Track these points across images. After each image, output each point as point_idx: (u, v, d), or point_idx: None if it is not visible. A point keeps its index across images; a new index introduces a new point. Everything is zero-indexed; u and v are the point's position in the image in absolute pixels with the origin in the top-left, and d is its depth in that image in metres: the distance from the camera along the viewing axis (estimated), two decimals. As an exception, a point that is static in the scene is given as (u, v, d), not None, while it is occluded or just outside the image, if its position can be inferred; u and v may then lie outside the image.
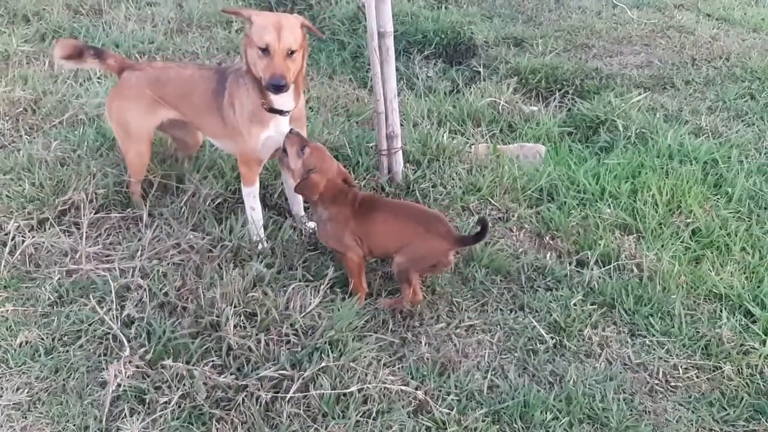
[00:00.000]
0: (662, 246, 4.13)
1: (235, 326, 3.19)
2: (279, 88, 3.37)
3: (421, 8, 7.71)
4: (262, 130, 3.64)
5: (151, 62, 4.06)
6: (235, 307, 3.28)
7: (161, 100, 3.92)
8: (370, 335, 3.35)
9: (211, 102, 3.80)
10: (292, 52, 3.41)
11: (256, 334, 3.19)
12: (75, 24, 6.57)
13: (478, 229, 3.48)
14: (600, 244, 4.08)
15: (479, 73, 6.50)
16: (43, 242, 3.76)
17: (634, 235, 4.23)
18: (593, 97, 5.99)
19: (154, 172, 4.21)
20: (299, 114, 3.78)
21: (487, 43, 7.04)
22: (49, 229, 3.86)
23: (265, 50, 3.37)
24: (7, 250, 3.70)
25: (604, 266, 3.97)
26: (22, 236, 3.78)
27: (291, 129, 3.60)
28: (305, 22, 3.53)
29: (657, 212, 4.36)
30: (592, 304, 3.71)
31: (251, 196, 3.83)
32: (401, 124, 4.48)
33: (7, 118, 4.93)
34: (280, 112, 3.62)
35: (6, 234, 3.80)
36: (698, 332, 3.60)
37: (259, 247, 3.78)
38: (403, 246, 3.51)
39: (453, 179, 4.54)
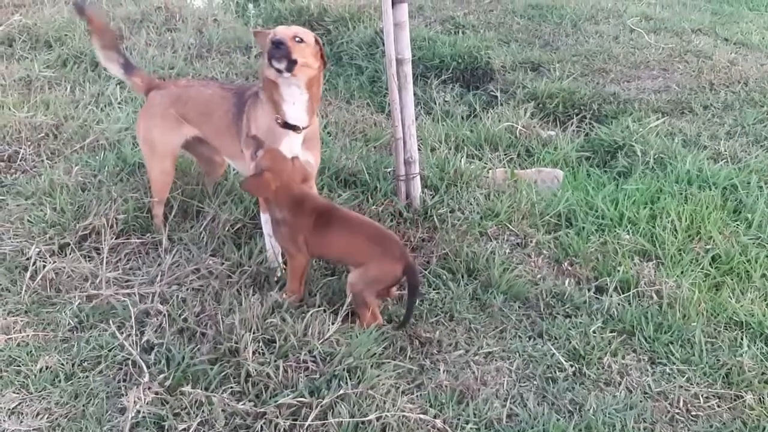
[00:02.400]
0: (682, 272, 4.10)
1: (253, 352, 3.18)
2: (278, 45, 3.41)
3: (438, 33, 7.77)
4: None
5: (176, 80, 4.10)
6: (253, 333, 3.27)
7: (183, 119, 3.97)
8: (389, 362, 3.33)
9: (231, 124, 3.84)
10: (301, 40, 3.49)
11: (275, 361, 3.18)
12: (96, 50, 6.64)
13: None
14: (619, 271, 4.06)
15: (496, 97, 6.53)
16: (64, 267, 3.78)
17: (654, 261, 4.20)
18: (611, 122, 6.00)
19: (174, 197, 4.24)
20: (312, 135, 3.79)
21: (504, 68, 7.07)
22: (70, 254, 3.88)
23: (276, 41, 3.45)
24: (28, 274, 3.71)
25: (623, 293, 3.94)
26: (43, 261, 3.80)
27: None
28: (318, 39, 3.64)
29: (676, 238, 4.34)
30: (611, 332, 3.68)
31: (269, 223, 3.85)
32: (418, 149, 4.49)
33: (29, 143, 4.98)
34: (294, 128, 3.64)
35: (27, 259, 3.82)
36: (719, 360, 3.56)
37: (278, 273, 3.79)
38: (357, 260, 3.52)
39: (471, 204, 4.54)
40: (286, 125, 3.63)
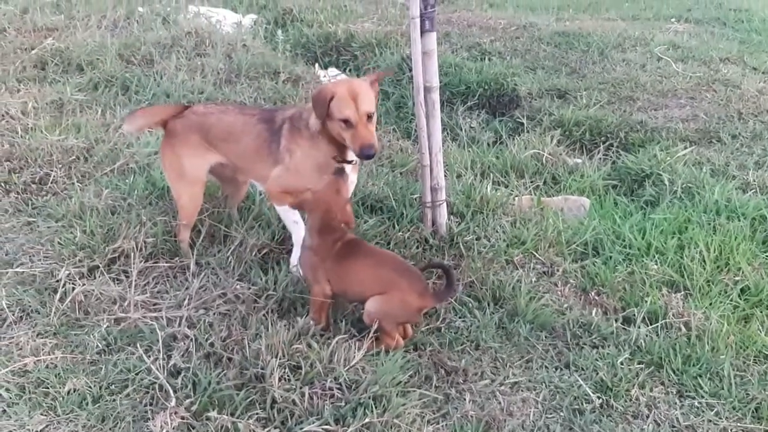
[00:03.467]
0: (710, 304, 4.06)
1: (279, 379, 3.18)
2: (370, 156, 3.58)
3: (465, 60, 7.81)
4: None
5: (191, 107, 4.13)
6: (279, 359, 3.27)
7: (207, 145, 4.02)
8: (414, 391, 3.31)
9: (263, 149, 3.90)
10: (370, 117, 3.60)
11: (300, 388, 3.17)
12: (127, 74, 6.74)
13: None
14: (647, 301, 4.02)
15: (522, 124, 6.54)
16: (93, 290, 3.81)
17: (682, 292, 4.16)
18: (638, 150, 5.98)
19: (202, 221, 4.27)
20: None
21: (531, 95, 7.08)
22: (99, 276, 3.92)
23: (347, 122, 3.56)
24: (57, 296, 3.75)
25: (651, 324, 3.90)
26: (73, 283, 3.83)
27: (340, 166, 3.66)
28: (374, 80, 3.74)
29: (705, 269, 4.30)
30: (639, 363, 3.64)
31: (290, 210, 3.90)
32: (444, 176, 4.50)
33: (60, 165, 5.05)
34: (351, 162, 3.77)
35: (57, 281, 3.86)
36: (748, 394, 3.51)
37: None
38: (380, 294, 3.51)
39: (497, 232, 4.53)
40: (345, 161, 3.75)
